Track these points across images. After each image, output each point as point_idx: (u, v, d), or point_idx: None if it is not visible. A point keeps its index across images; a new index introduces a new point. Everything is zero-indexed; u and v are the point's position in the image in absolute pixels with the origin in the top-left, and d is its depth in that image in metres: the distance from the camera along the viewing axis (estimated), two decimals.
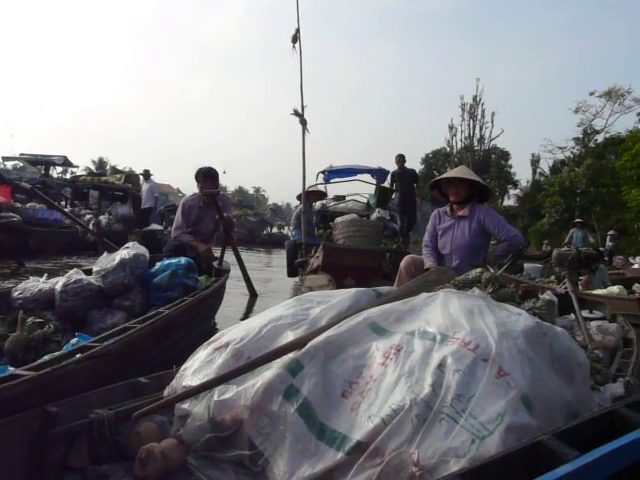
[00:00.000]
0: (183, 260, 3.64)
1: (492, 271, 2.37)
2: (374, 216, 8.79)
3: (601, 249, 14.20)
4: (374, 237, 7.12)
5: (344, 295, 2.09)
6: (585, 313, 3.23)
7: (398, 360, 1.68)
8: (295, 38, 7.75)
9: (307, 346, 1.79)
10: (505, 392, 1.54)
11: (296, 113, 7.71)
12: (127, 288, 3.36)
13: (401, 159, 9.71)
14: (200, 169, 4.79)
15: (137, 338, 2.50)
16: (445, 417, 1.52)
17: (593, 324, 2.90)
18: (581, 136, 28.78)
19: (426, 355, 1.67)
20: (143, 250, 3.50)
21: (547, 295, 2.69)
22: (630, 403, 1.36)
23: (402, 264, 3.55)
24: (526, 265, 10.59)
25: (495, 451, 1.45)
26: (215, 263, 4.67)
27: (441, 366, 1.61)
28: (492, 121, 36.71)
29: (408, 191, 9.68)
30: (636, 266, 12.27)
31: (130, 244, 3.60)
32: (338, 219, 7.58)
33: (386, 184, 10.16)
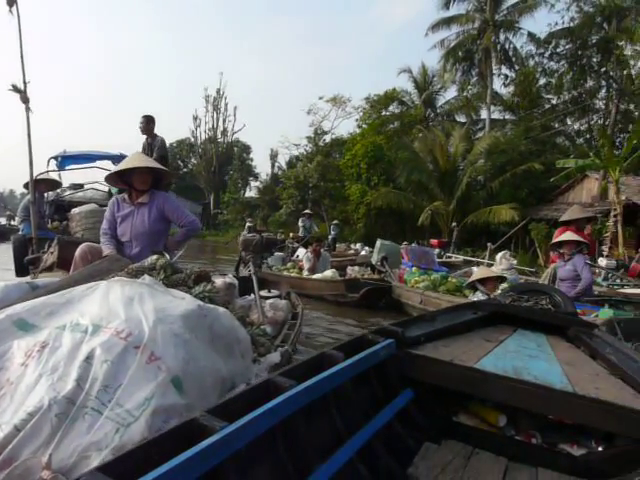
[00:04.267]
0: None
1: (167, 257, 2.40)
2: None
3: (327, 239, 16.06)
4: None
5: None
6: (264, 292, 3.58)
7: (41, 358, 1.55)
8: (11, 1, 6.62)
9: None
10: (155, 376, 1.56)
11: (15, 89, 6.59)
12: None
13: (147, 121, 6.49)
14: None
15: None
16: (89, 411, 1.45)
17: (268, 302, 3.21)
18: (312, 135, 32.12)
19: (74, 349, 1.57)
20: None
21: (228, 278, 2.88)
22: (283, 371, 1.52)
23: (77, 253, 3.36)
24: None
25: (141, 436, 1.46)
26: None
27: (89, 358, 1.54)
28: (235, 115, 38.42)
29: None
30: (363, 252, 14.18)
31: None
32: (75, 210, 6.88)
33: None
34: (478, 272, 5.52)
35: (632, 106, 22.28)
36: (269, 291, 3.67)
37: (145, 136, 6.71)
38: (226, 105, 37.41)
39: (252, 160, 41.09)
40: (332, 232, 17.01)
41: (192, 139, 39.07)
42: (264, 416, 1.23)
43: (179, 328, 1.70)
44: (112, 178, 3.64)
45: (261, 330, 2.25)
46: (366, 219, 22.28)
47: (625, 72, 20.41)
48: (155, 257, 2.22)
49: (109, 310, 1.70)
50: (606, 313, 4.55)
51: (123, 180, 3.54)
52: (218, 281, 2.71)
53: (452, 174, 21.15)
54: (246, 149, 40.79)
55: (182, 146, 43.13)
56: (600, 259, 8.04)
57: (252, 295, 3.20)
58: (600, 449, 1.83)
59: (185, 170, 45.29)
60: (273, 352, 2.11)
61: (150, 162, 3.51)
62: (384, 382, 1.96)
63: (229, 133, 38.19)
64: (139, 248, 3.37)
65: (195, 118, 37.32)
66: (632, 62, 18.35)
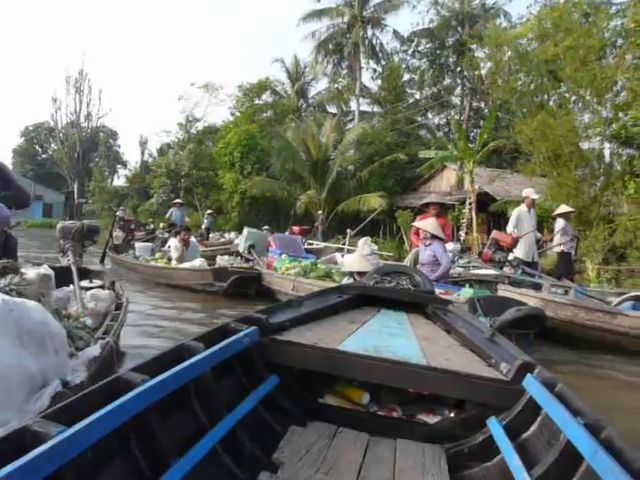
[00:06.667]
0: None
1: None
2: None
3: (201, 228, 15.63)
4: None
5: None
6: (86, 283, 3.39)
7: None
8: None
9: None
10: None
11: None
12: None
13: None
14: None
15: None
16: None
17: (89, 293, 3.04)
18: (184, 122, 30.94)
19: None
20: None
21: (42, 269, 2.61)
22: (136, 366, 1.42)
23: None
24: (137, 245, 10.80)
25: None
26: None
27: None
28: (100, 98, 35.93)
29: None
30: (237, 242, 13.93)
31: None
32: None
33: None
34: (356, 263, 5.67)
35: (482, 104, 24.50)
36: (91, 281, 3.47)
37: None
38: (90, 87, 34.79)
39: (120, 147, 39.21)
40: (205, 221, 16.63)
41: (52, 123, 35.79)
42: (110, 415, 1.14)
43: None
44: None
45: (80, 323, 2.07)
46: (240, 208, 22.11)
47: (476, 73, 22.33)
48: None
49: None
50: (467, 292, 4.96)
51: None
52: (31, 272, 2.44)
53: (324, 164, 21.67)
54: (113, 135, 38.55)
55: (40, 130, 39.46)
56: (448, 243, 8.73)
57: (72, 286, 2.95)
58: (452, 415, 1.97)
59: (45, 156, 41.69)
60: (93, 345, 1.93)
61: None
62: (249, 370, 1.94)
63: (94, 117, 35.64)
64: None
65: (54, 100, 34.23)
66: (482, 64, 20.12)
